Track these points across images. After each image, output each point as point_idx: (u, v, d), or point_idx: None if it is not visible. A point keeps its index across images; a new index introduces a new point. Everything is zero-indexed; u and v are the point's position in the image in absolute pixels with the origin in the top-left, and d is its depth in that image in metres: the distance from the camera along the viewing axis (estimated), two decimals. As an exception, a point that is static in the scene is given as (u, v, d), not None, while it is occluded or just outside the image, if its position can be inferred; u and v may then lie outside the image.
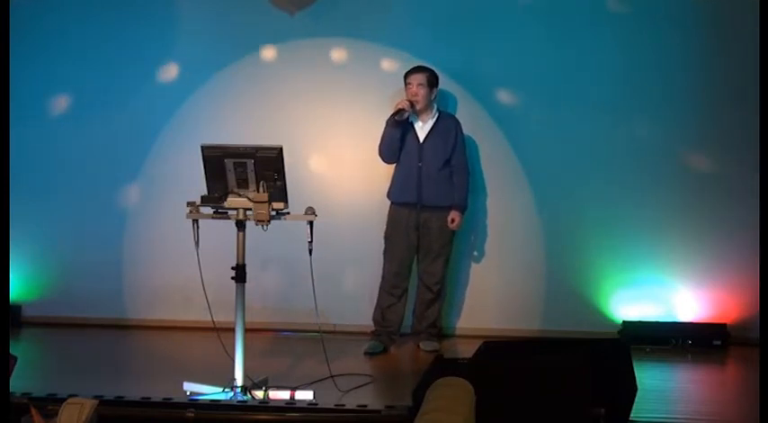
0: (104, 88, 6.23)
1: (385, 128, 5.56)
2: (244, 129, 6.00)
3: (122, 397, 4.19)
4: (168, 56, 6.20)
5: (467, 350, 4.32)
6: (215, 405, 4.18)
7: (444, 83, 5.90)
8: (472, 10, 5.96)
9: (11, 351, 3.63)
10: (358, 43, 6.07)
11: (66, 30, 6.24)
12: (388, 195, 5.68)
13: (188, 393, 4.36)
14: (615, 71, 5.88)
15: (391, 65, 5.98)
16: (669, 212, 5.86)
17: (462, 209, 5.59)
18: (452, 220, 5.55)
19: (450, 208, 5.55)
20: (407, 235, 5.59)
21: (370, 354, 5.51)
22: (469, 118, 5.93)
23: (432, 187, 5.52)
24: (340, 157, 6.10)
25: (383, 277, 5.67)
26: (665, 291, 5.88)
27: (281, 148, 4.26)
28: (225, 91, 6.18)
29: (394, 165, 5.65)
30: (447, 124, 5.60)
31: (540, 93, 5.95)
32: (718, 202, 5.83)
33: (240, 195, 4.30)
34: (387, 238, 5.66)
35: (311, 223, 4.39)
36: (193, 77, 6.19)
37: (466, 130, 5.82)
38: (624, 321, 5.85)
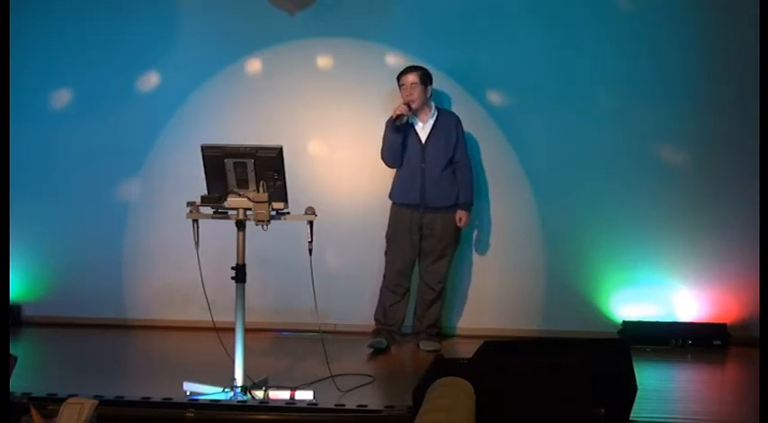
0: (104, 88, 6.23)
1: (385, 132, 5.54)
2: (244, 129, 6.00)
3: (122, 397, 4.19)
4: (168, 55, 6.20)
5: (467, 350, 4.32)
6: (215, 405, 4.18)
7: (444, 83, 5.91)
8: (472, 10, 5.96)
9: (11, 351, 3.63)
10: (358, 43, 6.06)
11: (67, 29, 6.24)
12: (391, 196, 5.66)
13: (188, 393, 4.36)
14: (615, 71, 5.88)
15: (391, 65, 5.97)
16: (669, 212, 5.86)
17: (469, 207, 5.58)
18: (460, 220, 5.53)
19: (453, 207, 5.54)
20: (410, 236, 5.57)
21: (374, 348, 5.51)
22: (469, 118, 5.93)
23: (436, 188, 5.50)
24: (340, 156, 6.10)
25: (385, 276, 5.66)
26: (665, 291, 5.88)
27: (281, 148, 4.26)
28: (225, 91, 6.18)
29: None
30: (447, 121, 5.58)
31: (540, 92, 5.94)
32: (718, 202, 5.83)
33: (240, 195, 4.29)
34: (389, 238, 5.65)
35: (311, 223, 4.39)
36: (193, 77, 6.19)
37: (465, 129, 5.82)
38: (624, 321, 5.86)
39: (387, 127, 5.54)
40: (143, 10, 6.19)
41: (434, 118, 5.57)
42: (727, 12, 5.80)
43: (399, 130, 5.46)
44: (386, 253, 5.67)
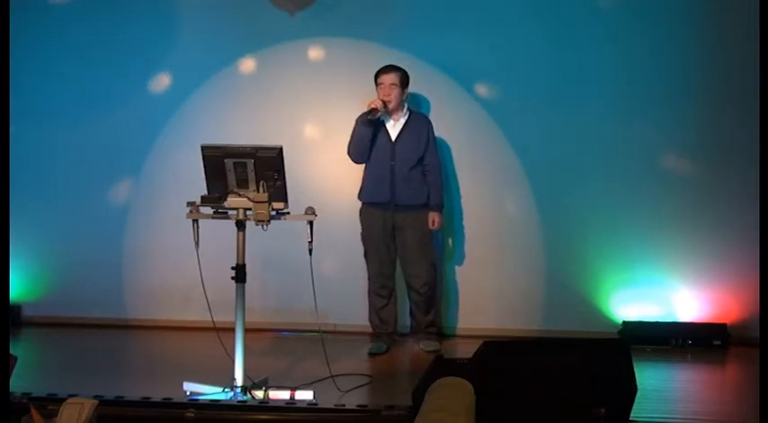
0: (104, 88, 6.23)
1: (355, 127, 5.49)
2: (244, 129, 6.00)
3: (122, 397, 4.19)
4: (168, 55, 6.20)
5: (467, 350, 4.32)
6: (215, 405, 4.18)
7: (445, 82, 5.92)
8: (472, 10, 5.96)
9: (11, 351, 3.63)
10: (358, 43, 6.07)
11: (67, 29, 6.24)
12: (359, 196, 5.61)
13: (188, 393, 4.37)
14: (615, 71, 5.87)
15: (391, 65, 5.98)
16: (669, 212, 5.86)
17: (440, 209, 5.54)
18: (433, 222, 5.50)
19: (423, 207, 5.49)
20: (384, 235, 5.53)
21: (374, 354, 5.49)
22: (469, 117, 5.95)
23: (405, 186, 5.45)
24: (340, 156, 6.07)
25: (369, 279, 5.65)
26: (665, 291, 5.88)
27: (281, 148, 4.26)
28: (225, 91, 6.19)
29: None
30: (419, 123, 5.54)
31: (540, 92, 5.94)
32: (718, 202, 5.83)
33: (240, 195, 4.30)
34: (364, 240, 5.62)
35: (311, 223, 4.39)
36: (193, 77, 6.19)
37: (466, 128, 5.84)
38: (624, 321, 5.85)
39: (356, 123, 5.49)
40: (143, 10, 6.19)
41: (406, 117, 5.52)
42: (727, 12, 5.80)
43: (371, 124, 5.42)
44: (364, 256, 5.65)
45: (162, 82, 6.22)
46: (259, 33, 6.14)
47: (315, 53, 6.12)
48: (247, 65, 6.17)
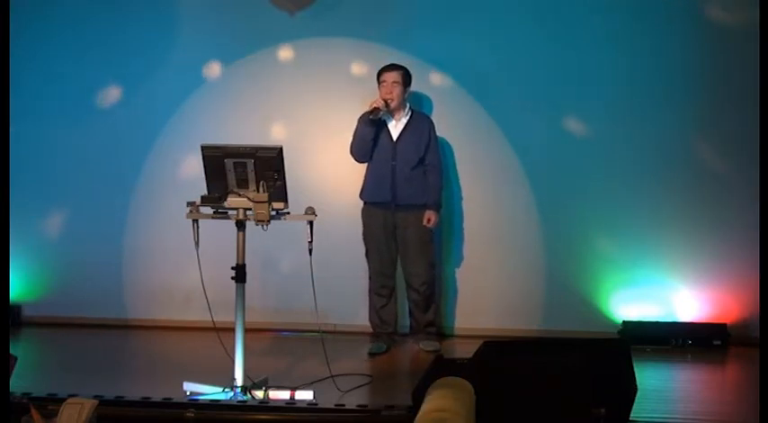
0: (104, 88, 6.23)
1: (357, 126, 5.50)
2: (244, 129, 6.00)
3: (122, 397, 4.19)
4: (168, 55, 6.20)
5: (467, 350, 4.31)
6: (215, 405, 4.18)
7: (445, 82, 5.91)
8: (472, 10, 5.96)
9: (11, 351, 3.63)
10: (358, 43, 6.07)
11: (67, 29, 6.24)
12: (361, 195, 5.61)
13: (188, 393, 4.37)
14: (615, 71, 5.87)
15: (391, 65, 5.97)
16: (669, 212, 5.86)
17: (437, 208, 5.54)
18: (428, 220, 5.49)
19: (424, 207, 5.48)
20: (385, 235, 5.54)
21: (374, 354, 5.50)
22: (470, 117, 5.95)
23: (406, 186, 5.46)
24: (340, 156, 6.07)
25: (370, 278, 5.65)
26: (665, 291, 5.88)
27: (281, 148, 4.26)
28: (225, 91, 6.19)
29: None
30: (420, 123, 5.54)
31: (541, 92, 5.94)
32: (718, 202, 5.83)
33: (240, 195, 4.30)
34: (365, 239, 5.63)
35: (311, 223, 4.39)
36: (193, 77, 6.19)
37: (466, 128, 5.82)
38: (624, 321, 5.85)
39: (359, 122, 5.50)
40: (143, 10, 6.19)
41: (408, 117, 5.52)
42: (727, 11, 5.80)
43: (373, 123, 5.42)
44: (366, 255, 5.66)
45: (162, 82, 6.22)
46: (259, 33, 6.14)
47: (315, 53, 6.11)
48: (247, 65, 6.17)
